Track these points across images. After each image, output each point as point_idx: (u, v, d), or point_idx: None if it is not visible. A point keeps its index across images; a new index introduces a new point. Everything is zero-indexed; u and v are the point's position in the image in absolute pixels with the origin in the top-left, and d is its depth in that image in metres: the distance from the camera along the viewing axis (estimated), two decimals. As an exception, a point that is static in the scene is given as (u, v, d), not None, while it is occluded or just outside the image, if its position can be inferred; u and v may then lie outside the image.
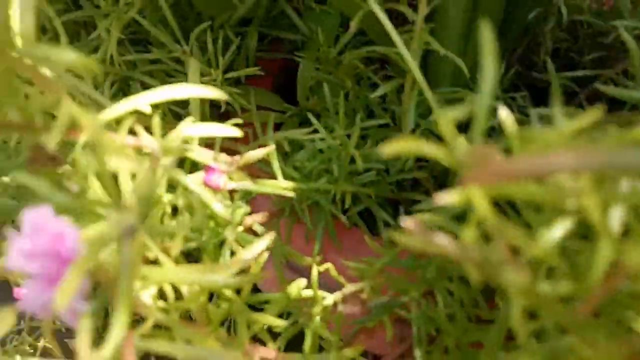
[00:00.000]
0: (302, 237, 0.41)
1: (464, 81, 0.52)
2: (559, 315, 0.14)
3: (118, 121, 0.26)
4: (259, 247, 0.26)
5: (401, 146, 0.13)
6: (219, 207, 0.23)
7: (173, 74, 0.50)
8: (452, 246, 0.14)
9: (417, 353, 0.30)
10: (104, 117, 0.24)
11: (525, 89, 0.59)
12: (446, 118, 0.12)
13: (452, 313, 0.30)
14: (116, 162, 0.19)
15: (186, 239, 0.27)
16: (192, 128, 0.24)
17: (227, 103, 0.52)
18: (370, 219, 0.45)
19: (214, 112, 0.55)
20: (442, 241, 0.14)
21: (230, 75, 0.50)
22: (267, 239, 0.27)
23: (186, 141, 0.30)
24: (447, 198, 0.12)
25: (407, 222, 0.14)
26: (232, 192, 0.35)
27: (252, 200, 0.46)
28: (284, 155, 0.47)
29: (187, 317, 0.28)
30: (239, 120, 0.31)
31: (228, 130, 0.25)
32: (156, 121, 0.26)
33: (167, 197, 0.30)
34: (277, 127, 0.57)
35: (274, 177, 0.35)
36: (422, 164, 0.46)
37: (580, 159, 0.10)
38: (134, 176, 0.21)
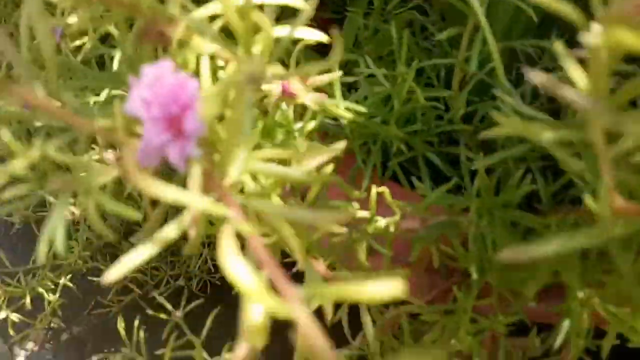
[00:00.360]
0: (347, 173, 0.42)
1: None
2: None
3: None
4: (329, 152, 0.27)
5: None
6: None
7: None
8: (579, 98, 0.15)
9: (472, 269, 0.31)
10: None
11: None
12: None
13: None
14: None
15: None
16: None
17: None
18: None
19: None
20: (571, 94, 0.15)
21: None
22: (332, 152, 0.28)
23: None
24: (591, 36, 0.13)
25: (534, 74, 0.15)
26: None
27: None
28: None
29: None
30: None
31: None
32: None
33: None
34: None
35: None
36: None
37: None
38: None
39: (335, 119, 0.38)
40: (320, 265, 0.32)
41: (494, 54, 0.37)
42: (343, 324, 0.43)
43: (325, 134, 0.38)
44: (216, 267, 0.82)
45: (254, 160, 0.24)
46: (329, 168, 0.30)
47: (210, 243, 0.78)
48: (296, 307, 0.14)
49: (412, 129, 0.42)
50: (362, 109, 0.35)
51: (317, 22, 0.69)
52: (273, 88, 0.28)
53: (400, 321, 0.44)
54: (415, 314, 0.43)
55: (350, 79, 0.43)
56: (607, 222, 0.18)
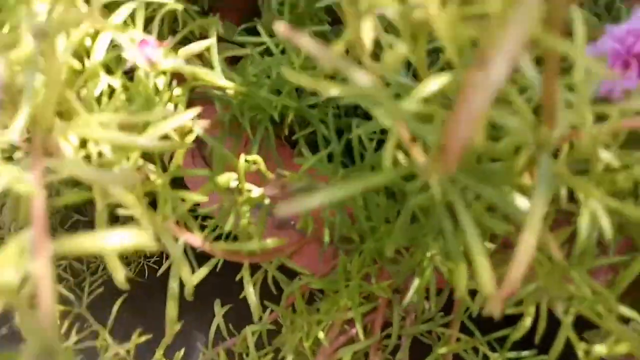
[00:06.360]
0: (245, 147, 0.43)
1: None
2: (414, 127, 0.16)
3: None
4: (190, 114, 0.28)
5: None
6: (143, 69, 0.24)
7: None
8: (314, 45, 0.16)
9: (353, 236, 0.32)
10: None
11: None
12: None
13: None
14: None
15: (117, 109, 0.29)
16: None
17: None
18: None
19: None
20: (307, 41, 0.16)
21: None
22: (192, 113, 0.28)
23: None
24: None
25: (280, 26, 0.16)
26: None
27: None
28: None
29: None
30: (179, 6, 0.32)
31: None
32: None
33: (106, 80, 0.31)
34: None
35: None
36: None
37: None
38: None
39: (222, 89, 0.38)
40: (196, 238, 0.33)
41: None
42: (251, 298, 0.44)
43: (209, 103, 0.39)
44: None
45: (91, 127, 0.25)
46: (191, 137, 0.31)
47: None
48: (41, 263, 0.15)
49: (311, 102, 0.43)
50: (238, 78, 0.35)
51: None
52: (133, 55, 0.28)
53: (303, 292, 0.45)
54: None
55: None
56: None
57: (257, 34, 0.58)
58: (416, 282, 0.31)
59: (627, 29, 0.27)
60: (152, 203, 0.31)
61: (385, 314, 0.44)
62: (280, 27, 0.16)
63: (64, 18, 0.19)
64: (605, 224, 0.19)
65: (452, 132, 0.12)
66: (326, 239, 0.39)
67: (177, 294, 0.33)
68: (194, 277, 0.35)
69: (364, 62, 0.18)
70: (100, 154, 0.27)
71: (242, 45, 0.58)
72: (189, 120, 0.37)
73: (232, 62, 0.58)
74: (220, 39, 0.58)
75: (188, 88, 0.32)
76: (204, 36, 0.54)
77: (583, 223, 0.19)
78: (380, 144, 0.35)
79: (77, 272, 0.80)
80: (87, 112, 0.29)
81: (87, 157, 0.27)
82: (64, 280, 0.79)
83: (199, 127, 0.37)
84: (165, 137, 0.27)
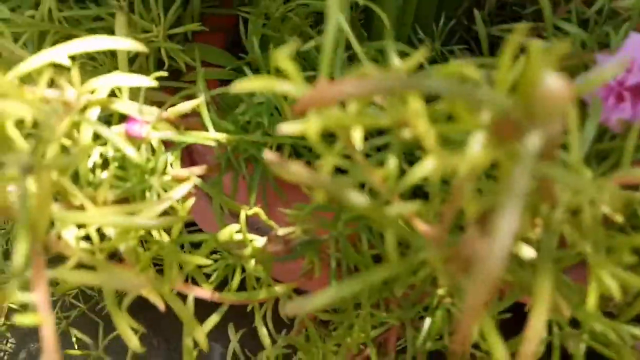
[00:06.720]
0: (246, 190, 0.43)
1: (407, 35, 0.53)
2: (403, 233, 0.16)
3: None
4: (182, 190, 0.28)
5: (252, 84, 0.14)
6: (132, 152, 0.24)
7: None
8: (305, 174, 0.16)
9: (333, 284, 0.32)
10: (21, 70, 0.25)
11: (474, 42, 0.61)
12: (283, 54, 0.14)
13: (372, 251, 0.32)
14: (20, 109, 0.20)
15: (113, 186, 0.29)
16: (106, 79, 0.25)
17: (174, 60, 0.53)
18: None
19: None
20: (298, 169, 0.16)
21: (174, 31, 0.50)
22: (191, 184, 0.28)
23: (115, 95, 0.31)
24: (288, 128, 0.14)
25: (268, 154, 0.16)
26: (169, 145, 0.37)
27: (196, 155, 0.48)
28: (226, 111, 0.48)
29: (119, 260, 0.30)
30: (164, 73, 0.32)
31: (142, 80, 0.26)
32: (74, 72, 0.26)
33: (99, 150, 0.31)
34: (228, 83, 0.58)
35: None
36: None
37: (359, 86, 0.11)
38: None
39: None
40: (204, 292, 0.33)
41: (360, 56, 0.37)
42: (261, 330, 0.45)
43: (203, 155, 0.39)
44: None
45: (90, 215, 0.25)
46: (189, 202, 0.30)
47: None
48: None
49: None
50: (230, 126, 0.35)
51: (224, 22, 0.68)
52: (118, 132, 0.28)
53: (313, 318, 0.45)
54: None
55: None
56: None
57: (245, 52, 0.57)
58: (427, 322, 0.31)
59: (618, 61, 0.27)
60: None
61: (399, 332, 0.44)
62: (268, 155, 0.16)
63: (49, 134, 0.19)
64: (614, 288, 0.20)
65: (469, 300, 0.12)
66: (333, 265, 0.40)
67: (191, 349, 0.33)
68: (205, 326, 0.35)
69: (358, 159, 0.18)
70: (100, 233, 0.27)
71: (231, 65, 0.57)
72: (185, 171, 0.37)
73: (223, 84, 0.58)
74: (207, 64, 0.58)
75: (180, 149, 0.32)
76: (190, 66, 0.54)
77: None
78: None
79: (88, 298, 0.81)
80: (82, 189, 0.29)
81: (88, 239, 0.27)
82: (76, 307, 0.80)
83: (195, 177, 0.37)
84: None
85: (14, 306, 0.72)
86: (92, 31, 0.50)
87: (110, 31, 0.51)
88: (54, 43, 0.49)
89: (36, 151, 0.18)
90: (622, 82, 0.26)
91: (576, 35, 0.39)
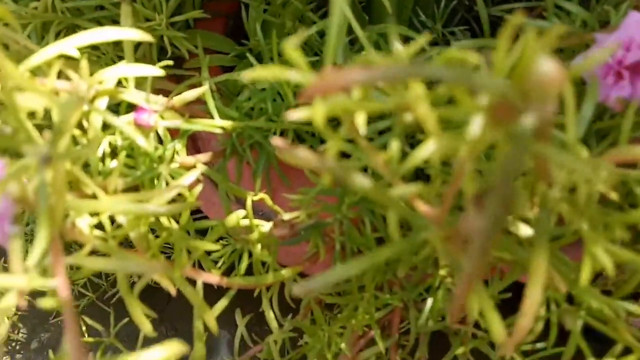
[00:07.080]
0: (250, 176, 0.43)
1: (408, 17, 0.53)
2: (405, 214, 0.17)
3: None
4: (190, 177, 0.29)
5: (260, 74, 0.15)
6: (142, 141, 0.25)
7: (119, 19, 0.51)
8: (312, 158, 0.16)
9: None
10: (32, 62, 0.26)
11: (475, 22, 0.61)
12: (290, 44, 0.14)
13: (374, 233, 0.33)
14: (33, 101, 0.21)
15: (122, 175, 0.29)
16: (115, 69, 0.26)
17: (176, 48, 0.53)
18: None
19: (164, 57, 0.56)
20: (305, 154, 0.16)
21: (176, 19, 0.51)
22: (198, 171, 0.29)
23: (121, 84, 0.32)
24: (295, 115, 0.15)
25: (276, 140, 0.16)
26: (174, 133, 0.37)
27: (200, 142, 0.48)
28: (230, 97, 0.49)
29: (130, 246, 0.31)
30: (170, 62, 0.32)
31: (150, 70, 0.26)
32: (84, 63, 0.27)
33: (107, 139, 0.32)
34: (230, 69, 0.58)
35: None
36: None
37: (365, 74, 0.12)
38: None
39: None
40: (213, 277, 0.34)
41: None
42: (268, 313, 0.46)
43: (208, 142, 0.39)
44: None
45: (103, 204, 0.26)
46: (197, 189, 0.31)
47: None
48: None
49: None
50: (234, 113, 0.36)
51: (224, 8, 0.68)
52: (126, 122, 0.29)
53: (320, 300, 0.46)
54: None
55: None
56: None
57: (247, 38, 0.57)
58: (429, 302, 0.32)
59: (616, 41, 0.27)
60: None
61: (402, 314, 0.45)
62: (276, 141, 0.16)
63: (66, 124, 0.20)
64: (608, 264, 0.20)
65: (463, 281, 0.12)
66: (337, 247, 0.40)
67: (202, 333, 0.34)
68: (214, 310, 0.36)
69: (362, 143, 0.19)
70: (113, 221, 0.28)
71: (233, 51, 0.57)
72: (191, 158, 0.38)
73: (225, 70, 0.58)
74: (209, 51, 0.58)
75: (186, 137, 0.32)
76: (192, 53, 0.54)
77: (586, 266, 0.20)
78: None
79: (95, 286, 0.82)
80: (92, 178, 0.30)
81: (101, 227, 0.28)
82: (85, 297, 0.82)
83: (202, 164, 0.38)
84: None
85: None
86: (95, 21, 0.51)
87: (113, 20, 0.52)
88: (58, 33, 0.50)
89: (54, 142, 0.18)
90: (621, 60, 0.27)
91: (577, 14, 0.39)
